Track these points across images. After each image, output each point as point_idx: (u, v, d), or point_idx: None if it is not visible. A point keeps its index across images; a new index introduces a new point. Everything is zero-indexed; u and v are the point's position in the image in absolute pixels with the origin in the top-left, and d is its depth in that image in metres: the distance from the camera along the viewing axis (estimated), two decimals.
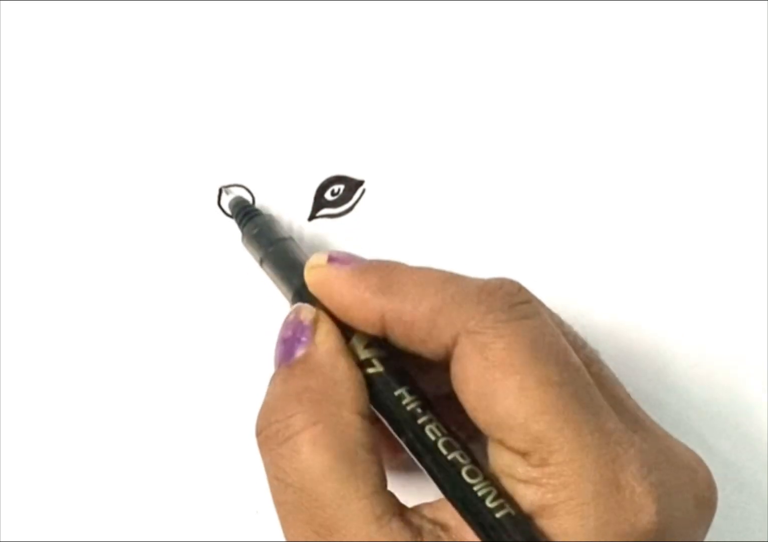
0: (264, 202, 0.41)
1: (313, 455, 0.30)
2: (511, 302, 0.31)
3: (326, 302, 0.33)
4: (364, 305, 0.32)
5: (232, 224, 0.40)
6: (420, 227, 0.41)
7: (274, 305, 0.38)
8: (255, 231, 0.39)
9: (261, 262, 0.38)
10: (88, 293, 0.40)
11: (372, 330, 0.32)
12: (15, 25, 0.43)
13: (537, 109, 0.43)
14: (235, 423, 0.39)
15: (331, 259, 0.33)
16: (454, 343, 0.31)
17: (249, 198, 0.41)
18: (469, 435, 0.32)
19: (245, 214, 0.39)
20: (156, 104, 0.42)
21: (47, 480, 0.39)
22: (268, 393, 0.33)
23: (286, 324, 0.33)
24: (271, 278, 0.38)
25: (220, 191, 0.41)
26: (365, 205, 0.41)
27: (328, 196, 0.42)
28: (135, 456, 0.39)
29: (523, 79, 0.43)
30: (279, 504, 0.31)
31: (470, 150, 0.42)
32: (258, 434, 0.32)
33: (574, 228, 0.41)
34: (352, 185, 0.42)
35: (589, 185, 0.42)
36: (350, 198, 0.42)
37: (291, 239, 0.39)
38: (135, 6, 0.43)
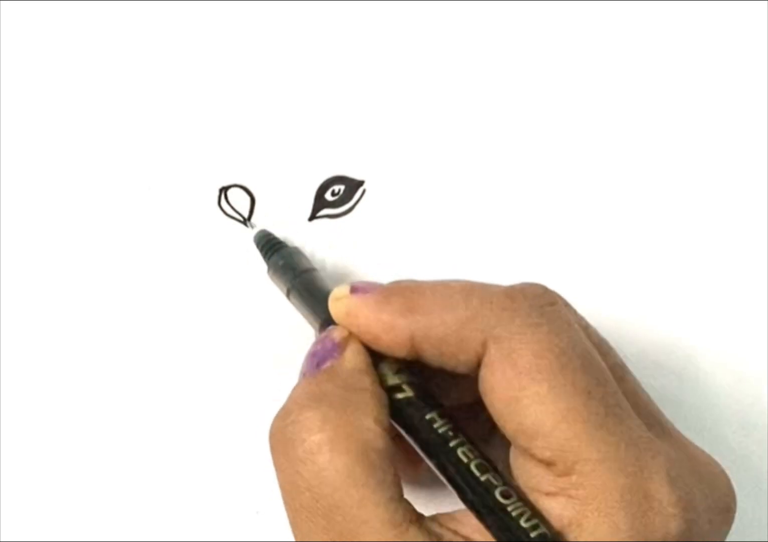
0: (264, 202, 0.41)
1: (330, 458, 0.30)
2: (536, 305, 0.31)
3: (354, 332, 0.33)
4: (392, 329, 0.32)
5: (232, 225, 0.40)
6: (420, 227, 0.41)
7: (275, 307, 0.38)
8: (281, 263, 0.39)
9: (287, 293, 0.38)
10: (88, 294, 0.40)
11: (401, 353, 0.32)
12: (15, 25, 0.43)
13: (537, 110, 0.42)
14: (236, 424, 0.39)
15: (354, 289, 0.33)
16: (483, 351, 0.31)
17: (249, 198, 0.41)
18: (489, 448, 0.32)
19: (270, 246, 0.39)
20: (156, 105, 0.42)
21: (47, 480, 0.39)
22: (288, 399, 0.32)
23: (317, 341, 0.33)
24: (298, 309, 0.37)
25: (221, 191, 0.41)
26: (366, 205, 0.41)
27: (328, 196, 0.41)
28: (136, 457, 0.39)
29: (523, 79, 0.43)
30: (292, 509, 0.31)
31: (471, 150, 0.42)
32: (272, 435, 0.31)
33: (576, 228, 0.41)
34: (352, 186, 0.42)
35: (589, 184, 0.42)
36: (351, 198, 0.42)
37: (315, 270, 0.38)
38: (135, 6, 0.43)
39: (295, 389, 0.32)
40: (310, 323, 0.37)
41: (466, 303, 0.31)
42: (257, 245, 0.40)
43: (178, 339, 0.40)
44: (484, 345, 0.31)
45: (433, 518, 0.31)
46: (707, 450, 0.32)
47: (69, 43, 0.43)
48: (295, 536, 0.31)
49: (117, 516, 0.38)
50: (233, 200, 0.41)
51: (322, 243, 0.41)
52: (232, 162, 0.42)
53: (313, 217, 0.41)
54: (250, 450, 0.38)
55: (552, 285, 0.32)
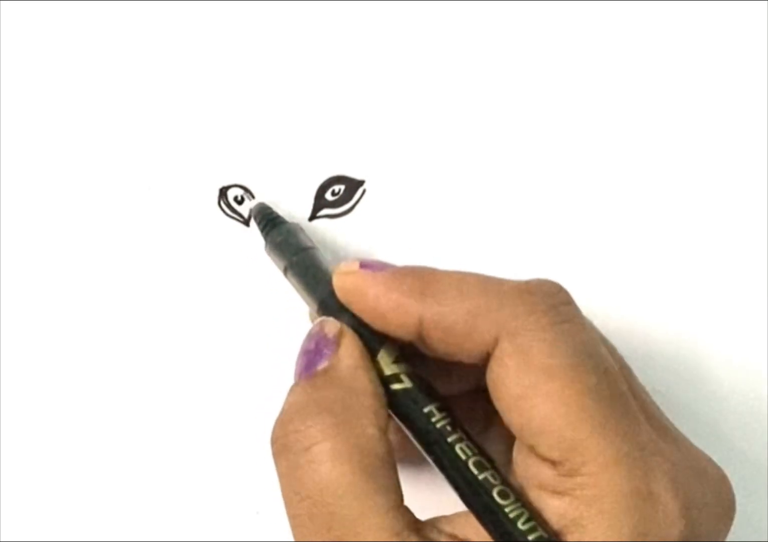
0: (264, 202, 0.41)
1: (332, 467, 0.30)
2: (552, 303, 0.31)
3: (358, 309, 0.32)
4: (401, 310, 0.31)
5: (233, 225, 0.40)
6: (421, 227, 0.41)
7: (275, 308, 0.38)
8: (279, 239, 0.38)
9: (285, 271, 0.37)
10: (88, 294, 0.40)
11: (407, 335, 0.32)
12: (15, 25, 0.43)
13: (538, 109, 0.42)
14: (236, 425, 0.39)
15: (363, 265, 0.33)
16: (495, 344, 0.31)
17: (249, 198, 0.41)
18: (487, 440, 0.32)
19: (269, 221, 0.39)
20: (156, 105, 0.42)
21: (47, 480, 0.39)
22: (286, 403, 0.32)
23: (310, 337, 0.33)
24: (295, 287, 0.37)
25: (221, 191, 0.41)
26: (366, 205, 0.41)
27: (328, 196, 0.41)
28: (136, 457, 0.39)
29: (523, 79, 0.43)
30: (294, 517, 0.31)
31: (471, 150, 0.42)
32: (273, 442, 0.31)
33: (576, 228, 0.41)
34: (352, 185, 0.42)
35: (589, 184, 0.42)
36: (351, 198, 0.41)
37: (316, 248, 0.38)
38: (135, 6, 0.43)
39: (292, 391, 0.32)
40: (307, 303, 0.36)
41: (481, 294, 0.31)
42: (255, 219, 0.40)
43: (178, 339, 0.40)
44: (497, 338, 0.30)
45: (432, 523, 0.31)
46: (708, 450, 0.32)
47: (69, 43, 0.43)
48: (296, 540, 0.31)
49: (117, 516, 0.38)
50: (233, 199, 0.41)
51: (322, 243, 0.41)
52: (232, 162, 0.42)
53: (313, 217, 0.41)
54: (250, 450, 0.38)
55: None
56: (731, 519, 0.31)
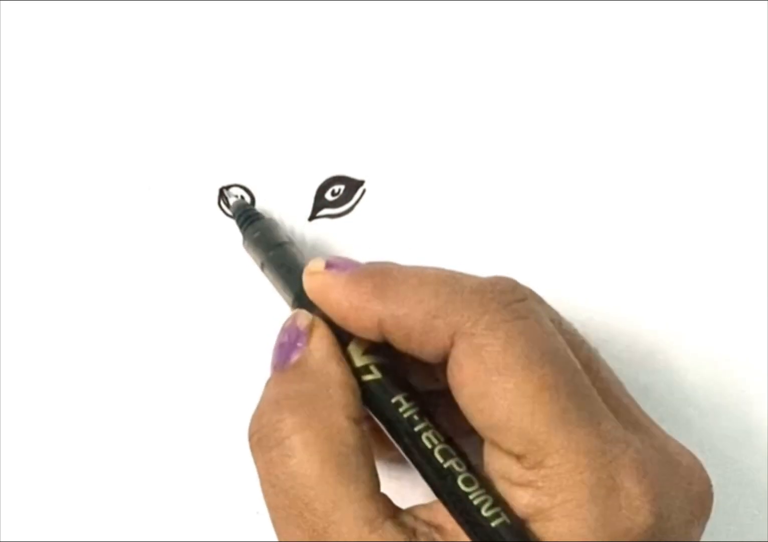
0: (264, 202, 0.41)
1: (303, 459, 0.30)
2: (506, 301, 0.31)
3: (324, 309, 0.33)
4: (360, 313, 0.32)
5: (232, 225, 0.40)
6: (420, 227, 0.41)
7: (275, 309, 0.38)
8: (256, 235, 0.39)
9: (262, 266, 0.38)
10: (87, 294, 0.40)
11: (370, 336, 0.32)
12: (15, 25, 0.43)
13: (537, 109, 0.43)
14: (235, 424, 0.39)
15: (329, 265, 0.33)
16: (451, 344, 0.31)
17: (248, 198, 0.41)
18: (465, 432, 0.32)
19: (246, 217, 0.39)
20: (156, 105, 0.42)
21: (47, 480, 0.39)
22: (261, 397, 0.33)
23: (283, 330, 0.34)
24: (272, 282, 0.37)
25: (221, 191, 0.41)
26: (366, 205, 0.41)
27: (328, 196, 0.41)
28: (136, 457, 0.39)
29: (523, 79, 0.43)
30: (271, 508, 0.31)
31: (470, 150, 0.42)
32: (249, 438, 0.32)
33: (574, 227, 0.41)
34: (352, 185, 0.42)
35: (589, 184, 0.42)
36: (351, 198, 0.42)
37: (291, 243, 0.38)
38: (135, 6, 0.43)
39: (267, 385, 0.33)
40: (284, 298, 0.37)
41: (436, 295, 0.31)
42: (234, 215, 0.40)
43: (177, 339, 0.40)
44: (452, 339, 0.31)
45: (410, 511, 0.31)
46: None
47: (69, 43, 0.43)
48: (276, 535, 0.31)
49: (117, 516, 0.38)
50: (233, 200, 0.41)
51: (322, 243, 0.41)
52: (232, 162, 0.42)
53: (313, 217, 0.41)
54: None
55: (545, 282, 0.33)
56: (707, 508, 0.31)
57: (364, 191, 0.42)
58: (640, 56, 0.43)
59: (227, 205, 0.41)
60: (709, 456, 0.32)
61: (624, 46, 0.43)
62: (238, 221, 0.40)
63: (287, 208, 0.41)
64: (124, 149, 0.42)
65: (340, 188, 0.42)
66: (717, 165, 0.42)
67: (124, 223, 0.41)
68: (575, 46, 0.43)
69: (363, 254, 0.40)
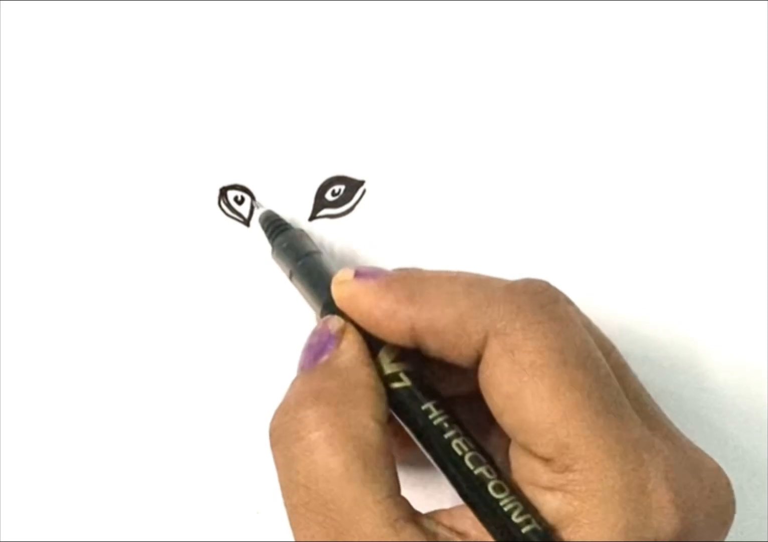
0: (264, 202, 0.41)
1: (327, 455, 0.30)
2: (539, 301, 0.31)
3: (355, 317, 0.33)
4: (392, 317, 0.32)
5: (232, 225, 0.41)
6: (421, 227, 0.41)
7: (275, 312, 0.38)
8: (284, 245, 0.39)
9: (290, 276, 0.38)
10: (88, 294, 0.40)
11: (402, 341, 0.32)
12: (15, 25, 0.43)
13: (537, 109, 0.43)
14: (236, 424, 0.39)
15: (358, 274, 0.33)
16: (484, 345, 0.31)
17: (249, 198, 0.41)
18: (486, 439, 0.32)
19: (275, 228, 0.39)
20: (156, 105, 0.42)
21: (47, 480, 0.39)
22: (286, 394, 0.32)
23: (314, 333, 0.33)
24: (300, 291, 0.37)
25: (221, 191, 0.41)
26: (366, 205, 0.41)
27: (328, 196, 0.41)
28: (136, 457, 0.39)
29: (523, 79, 0.43)
30: (290, 506, 0.31)
31: (471, 150, 0.42)
32: (271, 433, 0.32)
33: (578, 227, 0.41)
34: (352, 186, 0.42)
35: (589, 184, 0.42)
36: (351, 198, 0.42)
37: (320, 252, 0.38)
38: (135, 6, 0.43)
39: (293, 383, 0.33)
40: (312, 307, 0.36)
41: (468, 296, 0.31)
42: (262, 226, 0.40)
43: (178, 339, 0.40)
44: (485, 340, 0.31)
45: (431, 515, 0.31)
46: (708, 450, 0.32)
47: (69, 43, 0.43)
48: (293, 532, 0.31)
49: (117, 516, 0.38)
50: (233, 200, 0.41)
51: (322, 243, 0.41)
52: (232, 162, 0.42)
53: (313, 217, 0.41)
54: (251, 450, 0.38)
55: (555, 283, 0.32)
56: (731, 513, 0.31)
57: (364, 191, 0.42)
58: (640, 56, 0.43)
59: (227, 205, 0.41)
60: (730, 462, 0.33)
61: (624, 46, 0.43)
62: (266, 232, 0.40)
63: (287, 208, 0.41)
64: (124, 150, 0.42)
65: (340, 188, 0.42)
66: (716, 165, 0.42)
67: (124, 223, 0.41)
68: (575, 46, 0.43)
69: (363, 254, 0.40)
